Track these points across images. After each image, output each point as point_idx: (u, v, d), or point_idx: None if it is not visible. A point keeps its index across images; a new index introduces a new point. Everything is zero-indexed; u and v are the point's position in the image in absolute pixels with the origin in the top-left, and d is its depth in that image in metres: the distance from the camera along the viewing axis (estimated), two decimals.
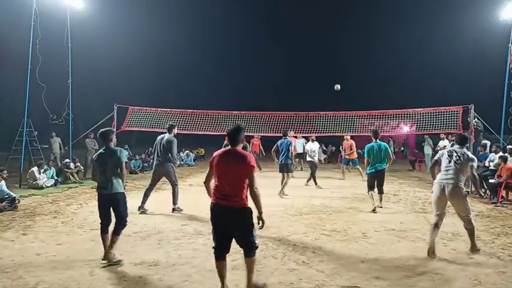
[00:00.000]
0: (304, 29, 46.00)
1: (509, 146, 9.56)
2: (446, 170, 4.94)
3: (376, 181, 7.89)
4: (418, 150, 18.95)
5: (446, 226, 6.00)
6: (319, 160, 13.17)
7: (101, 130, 4.89)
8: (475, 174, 4.97)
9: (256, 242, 3.63)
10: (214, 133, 13.50)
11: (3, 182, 7.88)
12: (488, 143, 11.13)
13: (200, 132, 13.89)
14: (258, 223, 3.62)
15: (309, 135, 12.92)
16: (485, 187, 9.09)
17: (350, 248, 5.22)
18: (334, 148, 22.07)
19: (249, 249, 3.61)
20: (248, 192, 3.59)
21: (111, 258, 4.50)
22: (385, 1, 41.62)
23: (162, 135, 7.73)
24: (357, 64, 39.81)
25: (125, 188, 4.80)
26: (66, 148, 13.55)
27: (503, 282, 4.08)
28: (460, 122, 11.63)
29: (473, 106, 11.30)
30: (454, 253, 5.01)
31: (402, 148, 21.90)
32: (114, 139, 4.86)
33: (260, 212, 3.61)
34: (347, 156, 13.40)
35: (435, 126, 12.45)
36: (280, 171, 9.69)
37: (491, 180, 9.06)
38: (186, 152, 19.93)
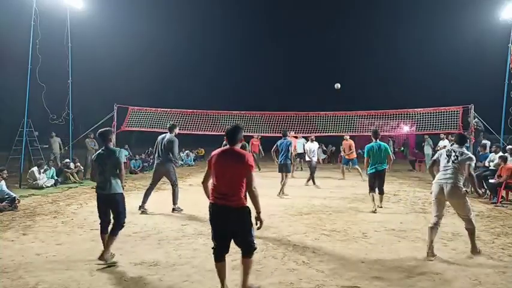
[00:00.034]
0: (304, 29, 46.17)
1: (509, 146, 9.54)
2: (445, 170, 4.94)
3: (376, 181, 7.89)
4: (418, 150, 18.93)
5: (446, 226, 6.02)
6: (318, 160, 13.15)
7: (100, 130, 4.90)
8: (472, 172, 4.95)
9: (254, 242, 3.61)
10: (214, 133, 13.49)
11: (3, 182, 7.88)
12: (488, 143, 11.13)
13: (200, 132, 13.91)
14: (256, 223, 3.60)
15: (308, 135, 12.92)
16: (485, 187, 9.10)
17: (350, 248, 5.22)
18: (334, 148, 22.04)
19: (247, 249, 3.59)
20: (247, 192, 3.58)
21: (106, 259, 4.49)
22: (385, 1, 41.75)
23: (163, 135, 7.72)
24: (357, 64, 39.92)
25: (123, 188, 4.80)
26: (66, 148, 13.55)
27: (503, 282, 4.08)
28: (460, 122, 11.66)
29: (473, 106, 11.32)
30: (454, 253, 5.00)
31: (402, 148, 21.85)
32: (113, 139, 4.86)
33: (258, 212, 3.59)
34: (346, 156, 13.41)
35: (435, 126, 12.48)
36: (279, 171, 9.70)
37: (491, 180, 9.06)
38: (186, 152, 19.93)
